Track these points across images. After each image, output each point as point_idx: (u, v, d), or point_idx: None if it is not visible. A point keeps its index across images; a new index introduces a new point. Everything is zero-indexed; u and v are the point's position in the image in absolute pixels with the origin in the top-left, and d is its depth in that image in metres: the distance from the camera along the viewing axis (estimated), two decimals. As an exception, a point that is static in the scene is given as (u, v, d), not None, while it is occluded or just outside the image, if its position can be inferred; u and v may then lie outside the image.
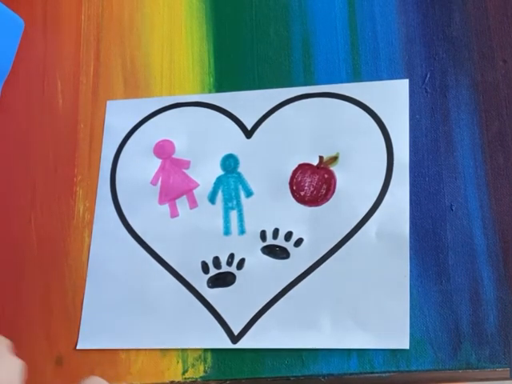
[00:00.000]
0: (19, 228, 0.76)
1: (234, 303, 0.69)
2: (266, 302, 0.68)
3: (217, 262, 0.70)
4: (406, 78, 0.72)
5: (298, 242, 0.69)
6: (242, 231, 0.71)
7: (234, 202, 0.72)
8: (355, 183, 0.70)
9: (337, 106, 0.73)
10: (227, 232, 0.71)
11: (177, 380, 0.68)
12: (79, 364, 0.70)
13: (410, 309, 0.65)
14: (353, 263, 0.67)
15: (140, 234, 0.73)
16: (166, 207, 0.74)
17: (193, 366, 0.68)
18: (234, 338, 0.67)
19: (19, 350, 0.55)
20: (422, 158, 0.69)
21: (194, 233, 0.72)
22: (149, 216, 0.73)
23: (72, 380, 0.69)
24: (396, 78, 0.72)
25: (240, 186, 0.72)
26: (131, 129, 0.77)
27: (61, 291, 0.73)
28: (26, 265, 0.75)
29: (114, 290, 0.72)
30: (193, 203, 0.73)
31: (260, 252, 0.70)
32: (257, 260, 0.69)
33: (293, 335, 0.66)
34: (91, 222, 0.75)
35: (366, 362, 0.64)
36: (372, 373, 0.64)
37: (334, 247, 0.68)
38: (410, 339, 0.64)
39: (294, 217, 0.70)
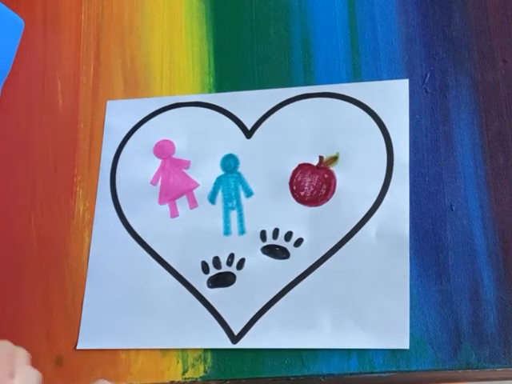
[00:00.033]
0: (19, 228, 0.76)
1: (234, 303, 0.69)
2: (265, 302, 0.68)
3: (217, 261, 0.70)
4: (406, 78, 0.72)
5: (298, 242, 0.69)
6: (241, 231, 0.71)
7: (234, 202, 0.72)
8: (355, 183, 0.70)
9: (337, 106, 0.73)
10: (227, 232, 0.71)
11: (177, 380, 0.68)
12: (79, 364, 0.70)
13: (410, 309, 0.65)
14: (353, 263, 0.67)
15: (140, 234, 0.73)
16: (165, 207, 0.74)
17: (193, 365, 0.68)
18: (234, 338, 0.67)
19: (19, 350, 0.55)
20: (421, 158, 0.69)
21: (194, 233, 0.72)
22: (149, 216, 0.73)
23: (72, 380, 0.70)
24: (396, 78, 0.72)
25: (240, 186, 0.72)
26: (131, 129, 0.77)
27: (61, 291, 0.73)
28: (26, 265, 0.75)
29: (114, 290, 0.72)
30: (193, 203, 0.73)
31: (260, 252, 0.70)
32: (257, 260, 0.69)
33: (293, 335, 0.66)
34: (91, 222, 0.75)
35: (366, 362, 0.64)
36: (372, 373, 0.64)
37: (334, 247, 0.68)
38: (410, 339, 0.64)
39: (293, 217, 0.70)
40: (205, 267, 0.70)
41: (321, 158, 0.71)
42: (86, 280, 0.73)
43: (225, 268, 0.70)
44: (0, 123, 0.81)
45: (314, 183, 0.71)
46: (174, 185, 0.74)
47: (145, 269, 0.72)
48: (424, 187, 0.68)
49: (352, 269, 0.67)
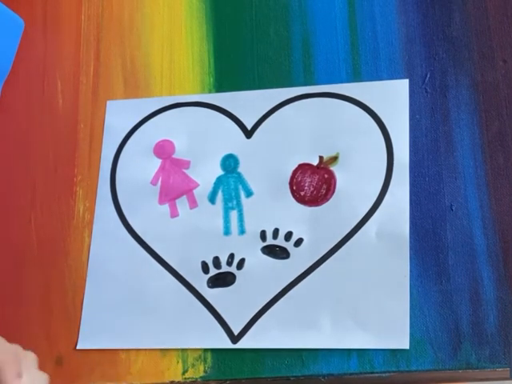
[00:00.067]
0: (19, 228, 0.76)
1: (234, 303, 0.69)
2: (265, 302, 0.68)
3: (217, 261, 0.70)
4: (406, 78, 0.72)
5: (298, 242, 0.69)
6: (241, 231, 0.71)
7: (234, 202, 0.72)
8: (355, 183, 0.70)
9: (337, 106, 0.73)
10: (227, 232, 0.71)
11: (177, 380, 0.68)
12: (79, 364, 0.70)
13: (410, 309, 0.65)
14: (353, 263, 0.67)
15: (140, 234, 0.73)
16: (165, 207, 0.74)
17: (193, 365, 0.68)
18: (234, 338, 0.67)
19: (19, 350, 0.55)
20: (421, 158, 0.69)
21: (194, 233, 0.72)
22: (149, 216, 0.73)
23: (72, 380, 0.70)
24: (396, 78, 0.72)
25: (240, 186, 0.72)
26: (131, 129, 0.77)
27: (61, 291, 0.73)
28: (25, 265, 0.75)
29: (114, 290, 0.72)
30: (193, 203, 0.73)
31: (260, 252, 0.70)
32: (257, 260, 0.69)
33: (293, 335, 0.66)
34: (91, 222, 0.75)
35: (366, 362, 0.64)
36: (372, 373, 0.64)
37: (334, 247, 0.68)
38: (410, 339, 0.64)
39: (294, 217, 0.70)
40: (205, 267, 0.70)
41: (321, 157, 0.71)
42: (86, 280, 0.73)
43: (225, 268, 0.70)
44: (0, 123, 0.81)
45: (314, 183, 0.71)
46: (174, 185, 0.74)
47: (145, 269, 0.72)
48: (424, 187, 0.68)
49: (352, 269, 0.67)
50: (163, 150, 0.76)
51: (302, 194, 0.71)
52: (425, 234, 0.67)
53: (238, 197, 0.72)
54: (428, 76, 0.72)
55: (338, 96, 0.73)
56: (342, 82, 0.73)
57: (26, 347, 0.70)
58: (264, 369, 0.66)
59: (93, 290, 0.72)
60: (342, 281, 0.67)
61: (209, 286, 0.70)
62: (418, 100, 0.71)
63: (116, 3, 0.82)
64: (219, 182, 0.73)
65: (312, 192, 0.70)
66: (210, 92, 0.77)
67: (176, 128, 0.76)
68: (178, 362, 0.68)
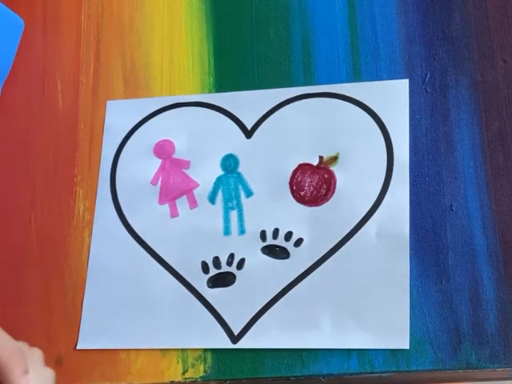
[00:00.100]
0: (19, 228, 0.76)
1: (234, 303, 0.69)
2: (265, 302, 0.68)
3: (217, 261, 0.70)
4: (406, 78, 0.72)
5: (298, 242, 0.69)
6: (241, 231, 0.71)
7: (234, 202, 0.72)
8: (355, 183, 0.70)
9: (337, 106, 0.73)
10: (227, 232, 0.71)
11: (177, 380, 0.68)
12: (79, 364, 0.70)
13: (410, 309, 0.65)
14: (353, 263, 0.67)
15: (140, 234, 0.73)
16: (165, 207, 0.74)
17: (193, 365, 0.68)
18: (234, 338, 0.67)
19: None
20: (421, 158, 0.69)
21: (193, 233, 0.72)
22: (149, 216, 0.73)
23: (72, 380, 0.70)
24: (396, 78, 0.72)
25: (240, 186, 0.72)
26: (131, 129, 0.77)
27: (61, 291, 0.73)
28: (25, 265, 0.75)
29: (113, 290, 0.72)
30: (193, 203, 0.73)
31: (260, 252, 0.70)
32: (257, 260, 0.69)
33: (293, 335, 0.66)
34: (91, 222, 0.75)
35: (366, 362, 0.64)
36: (372, 373, 0.64)
37: (334, 247, 0.68)
38: (410, 339, 0.64)
39: (294, 217, 0.70)
40: (205, 267, 0.70)
41: (321, 157, 0.71)
42: (86, 280, 0.73)
43: (225, 268, 0.70)
44: (0, 123, 0.81)
45: (314, 183, 0.71)
46: (174, 185, 0.74)
47: (145, 269, 0.72)
48: (424, 187, 0.68)
49: (352, 269, 0.67)
50: (163, 150, 0.76)
51: (302, 193, 0.71)
52: (425, 234, 0.67)
53: (237, 197, 0.72)
54: (428, 76, 0.72)
55: (337, 96, 0.73)
56: (342, 81, 0.73)
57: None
58: (264, 369, 0.66)
59: (93, 290, 0.72)
60: (342, 281, 0.67)
61: (209, 286, 0.70)
62: (417, 100, 0.71)
63: (116, 3, 0.82)
64: (219, 181, 0.73)
65: (312, 192, 0.70)
66: (210, 92, 0.77)
67: (176, 128, 0.76)
68: (178, 362, 0.68)
